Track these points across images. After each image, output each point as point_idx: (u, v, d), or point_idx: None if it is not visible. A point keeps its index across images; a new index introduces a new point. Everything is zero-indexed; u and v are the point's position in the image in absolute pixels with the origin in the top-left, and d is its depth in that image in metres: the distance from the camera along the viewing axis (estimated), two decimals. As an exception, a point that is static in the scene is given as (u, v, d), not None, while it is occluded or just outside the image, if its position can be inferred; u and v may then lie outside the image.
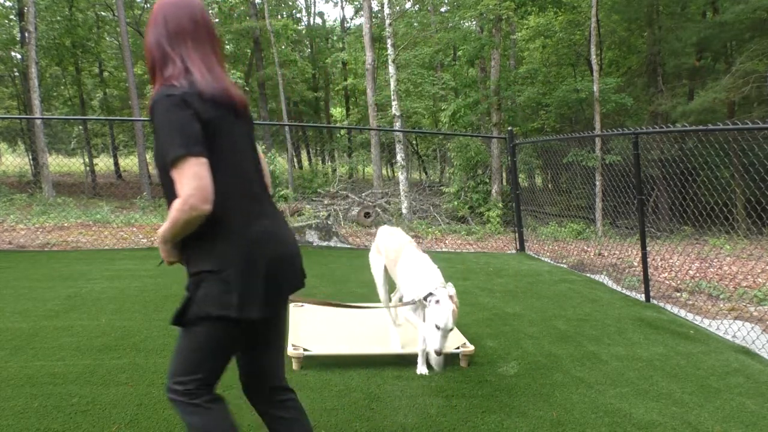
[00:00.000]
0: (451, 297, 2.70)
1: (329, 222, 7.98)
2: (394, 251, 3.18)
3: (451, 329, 2.67)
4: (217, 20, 21.77)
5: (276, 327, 1.79)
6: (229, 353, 1.67)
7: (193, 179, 1.42)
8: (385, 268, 3.32)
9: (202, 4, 1.73)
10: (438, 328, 2.61)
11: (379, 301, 4.25)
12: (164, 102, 1.46)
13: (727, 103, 13.42)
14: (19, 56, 19.98)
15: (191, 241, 1.55)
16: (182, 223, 1.47)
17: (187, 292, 1.60)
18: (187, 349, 1.66)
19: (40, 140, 14.77)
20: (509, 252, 7.61)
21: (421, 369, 2.97)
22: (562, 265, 6.38)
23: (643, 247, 4.79)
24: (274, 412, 1.85)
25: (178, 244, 1.59)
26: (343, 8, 46.89)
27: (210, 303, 1.54)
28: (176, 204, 1.45)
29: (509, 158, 7.36)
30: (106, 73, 23.80)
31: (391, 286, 3.42)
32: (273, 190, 14.21)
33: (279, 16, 25.37)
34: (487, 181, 14.02)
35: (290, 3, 27.85)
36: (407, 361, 3.07)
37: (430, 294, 2.74)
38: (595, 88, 12.87)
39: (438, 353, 2.64)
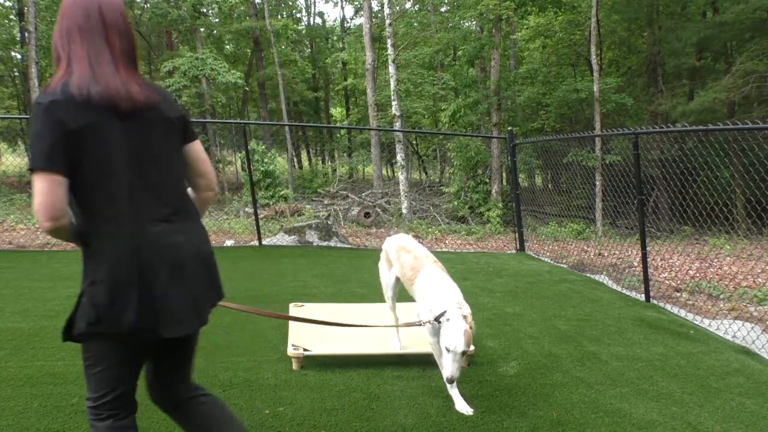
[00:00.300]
0: (465, 317, 2.47)
1: (329, 222, 7.98)
2: (412, 268, 2.89)
3: (464, 352, 2.42)
4: (217, 20, 21.78)
5: (178, 340, 1.61)
6: (123, 370, 1.57)
7: (39, 195, 1.38)
8: (397, 279, 3.09)
9: None
10: (448, 350, 2.40)
11: (378, 301, 4.25)
12: (34, 108, 1.43)
13: (727, 103, 13.42)
14: (19, 56, 19.98)
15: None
16: (47, 233, 1.48)
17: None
18: (85, 367, 1.57)
19: (40, 140, 14.75)
20: (509, 252, 7.61)
21: (461, 407, 2.56)
22: (562, 265, 6.38)
23: (643, 247, 4.79)
24: (179, 416, 1.75)
25: None
26: (343, 8, 46.88)
27: (81, 318, 1.49)
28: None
29: (509, 158, 7.36)
30: (106, 73, 23.76)
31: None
32: (273, 189, 14.10)
33: (279, 16, 25.36)
34: (487, 181, 14.02)
35: (290, 3, 27.84)
36: (407, 361, 3.07)
37: (443, 313, 2.51)
38: (595, 88, 12.87)
39: (450, 381, 2.44)
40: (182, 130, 1.63)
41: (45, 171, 1.38)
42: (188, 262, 1.56)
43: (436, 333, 2.61)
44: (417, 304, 2.85)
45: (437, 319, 2.54)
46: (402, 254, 2.99)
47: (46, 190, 1.38)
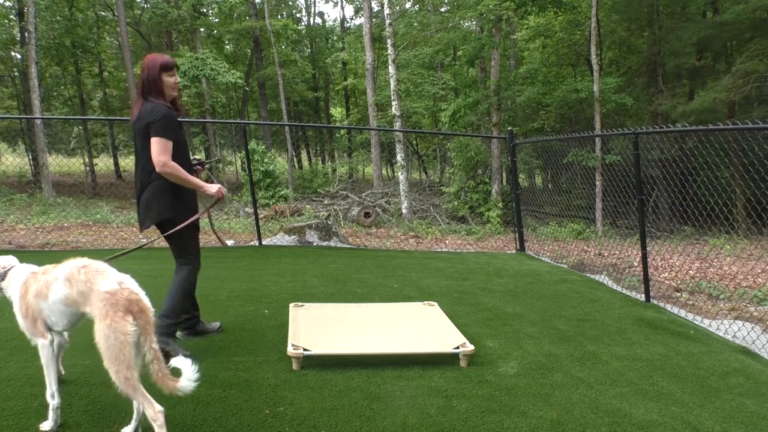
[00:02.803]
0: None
1: (329, 222, 7.98)
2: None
3: None
4: (217, 20, 21.78)
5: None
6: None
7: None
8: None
9: (150, 58, 3.06)
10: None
11: (378, 301, 4.25)
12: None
13: (727, 103, 13.42)
14: (19, 56, 19.97)
15: None
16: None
17: None
18: None
19: (40, 140, 14.77)
20: (509, 252, 7.62)
21: None
22: (562, 265, 6.38)
23: (643, 247, 4.79)
24: None
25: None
26: (343, 8, 46.93)
27: None
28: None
29: (509, 158, 7.36)
30: (106, 73, 23.80)
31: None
32: (273, 189, 14.20)
33: (279, 16, 25.37)
34: (487, 181, 14.02)
35: (290, 3, 27.86)
36: (407, 361, 3.07)
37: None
38: (595, 88, 12.87)
39: None
40: (147, 133, 2.96)
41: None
42: (142, 203, 3.11)
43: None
44: None
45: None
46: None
47: None
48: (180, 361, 2.08)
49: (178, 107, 3.12)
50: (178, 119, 3.06)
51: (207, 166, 3.28)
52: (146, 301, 2.17)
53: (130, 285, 2.19)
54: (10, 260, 2.51)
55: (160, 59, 3.01)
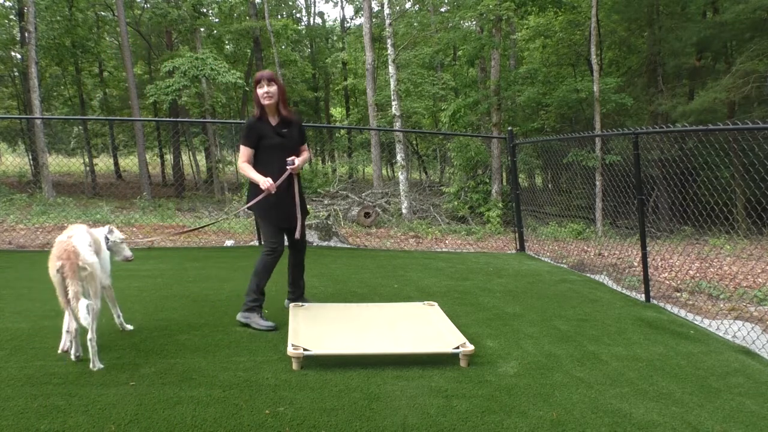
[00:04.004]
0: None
1: (329, 222, 7.98)
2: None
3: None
4: (216, 20, 21.77)
5: None
6: None
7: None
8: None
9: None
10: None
11: (378, 301, 4.25)
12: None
13: (727, 103, 13.42)
14: (19, 56, 19.98)
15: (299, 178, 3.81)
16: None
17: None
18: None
19: (40, 140, 14.77)
20: (509, 252, 7.62)
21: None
22: (562, 265, 6.38)
23: (643, 247, 4.79)
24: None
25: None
26: (343, 8, 46.95)
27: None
28: (309, 155, 3.79)
29: (509, 158, 7.36)
30: (106, 73, 23.79)
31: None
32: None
33: (279, 16, 25.36)
34: (487, 181, 14.02)
35: (290, 3, 27.85)
36: (407, 361, 3.07)
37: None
38: (595, 88, 12.87)
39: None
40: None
41: None
42: None
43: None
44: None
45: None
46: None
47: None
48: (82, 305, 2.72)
49: (283, 116, 3.66)
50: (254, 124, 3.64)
51: (293, 163, 3.61)
52: (80, 250, 2.80)
53: (74, 239, 2.84)
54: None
55: (257, 76, 3.60)
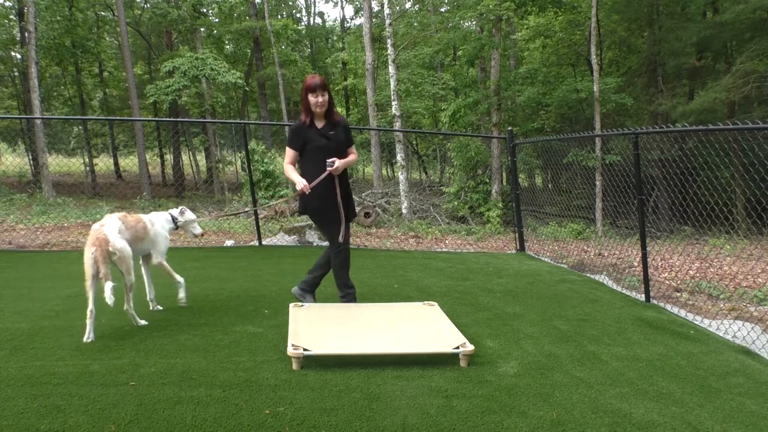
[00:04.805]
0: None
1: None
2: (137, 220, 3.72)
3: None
4: (217, 20, 21.77)
5: None
6: None
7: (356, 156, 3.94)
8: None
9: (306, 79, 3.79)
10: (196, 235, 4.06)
11: (378, 301, 4.25)
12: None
13: (727, 103, 13.42)
14: (19, 56, 19.98)
15: (346, 176, 3.92)
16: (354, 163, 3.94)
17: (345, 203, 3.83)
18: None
19: (40, 140, 14.77)
20: (509, 252, 7.62)
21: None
22: (562, 265, 6.38)
23: (643, 247, 4.79)
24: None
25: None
26: (343, 8, 46.96)
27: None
28: (355, 156, 3.89)
29: (509, 158, 7.36)
30: (106, 73, 23.80)
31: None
32: (273, 189, 14.19)
33: (279, 16, 25.36)
34: (487, 181, 14.02)
35: (290, 3, 27.85)
36: (407, 361, 3.07)
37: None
38: (595, 88, 12.87)
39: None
40: None
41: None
42: None
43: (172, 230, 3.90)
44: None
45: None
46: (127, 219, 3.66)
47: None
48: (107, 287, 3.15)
49: (330, 118, 3.78)
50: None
51: (332, 164, 3.68)
52: (110, 238, 3.25)
53: (106, 228, 3.30)
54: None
55: (308, 81, 3.68)
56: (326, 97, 3.69)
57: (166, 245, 3.79)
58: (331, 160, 3.69)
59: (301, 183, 3.61)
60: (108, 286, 3.13)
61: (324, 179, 3.69)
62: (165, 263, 3.77)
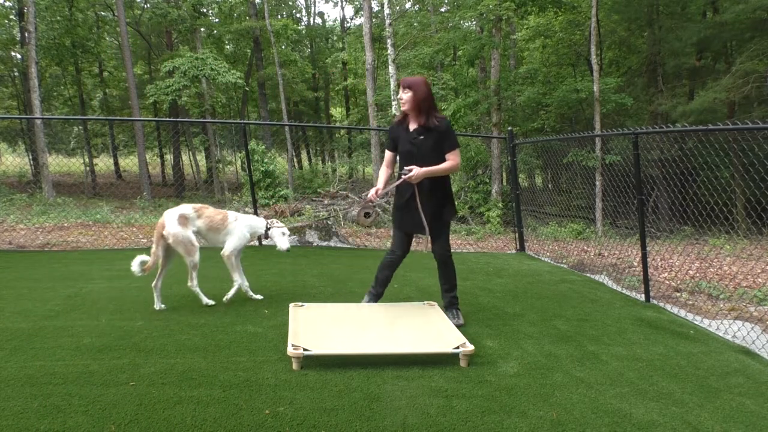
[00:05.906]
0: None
1: (329, 222, 7.98)
2: (218, 213, 4.04)
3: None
4: (217, 20, 21.77)
5: None
6: None
7: (459, 157, 3.62)
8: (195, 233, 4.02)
9: None
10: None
11: (377, 301, 4.25)
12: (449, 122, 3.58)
13: (727, 103, 13.43)
14: (19, 56, 19.99)
15: (442, 183, 3.65)
16: (450, 171, 3.62)
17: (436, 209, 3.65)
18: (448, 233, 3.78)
19: (40, 140, 14.77)
20: (509, 252, 7.62)
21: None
22: (562, 265, 6.38)
23: (643, 247, 4.79)
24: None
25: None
26: (343, 8, 46.95)
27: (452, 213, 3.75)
28: (452, 164, 3.54)
29: (509, 158, 7.36)
30: (106, 73, 23.80)
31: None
32: (273, 189, 14.13)
33: (279, 16, 25.37)
34: (487, 181, 14.02)
35: (290, 3, 27.86)
36: (407, 361, 3.07)
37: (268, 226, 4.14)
38: (595, 88, 12.87)
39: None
40: None
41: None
42: None
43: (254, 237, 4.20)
44: (229, 235, 3.98)
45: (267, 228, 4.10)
46: (203, 210, 3.96)
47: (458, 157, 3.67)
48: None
49: (428, 125, 3.57)
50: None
51: (409, 172, 3.56)
52: (167, 224, 3.72)
53: (166, 216, 3.76)
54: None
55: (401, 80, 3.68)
56: (408, 94, 3.48)
57: (240, 243, 4.01)
58: (409, 167, 3.52)
59: (372, 190, 3.59)
60: (137, 258, 3.68)
61: (403, 187, 3.57)
62: (231, 258, 3.98)
